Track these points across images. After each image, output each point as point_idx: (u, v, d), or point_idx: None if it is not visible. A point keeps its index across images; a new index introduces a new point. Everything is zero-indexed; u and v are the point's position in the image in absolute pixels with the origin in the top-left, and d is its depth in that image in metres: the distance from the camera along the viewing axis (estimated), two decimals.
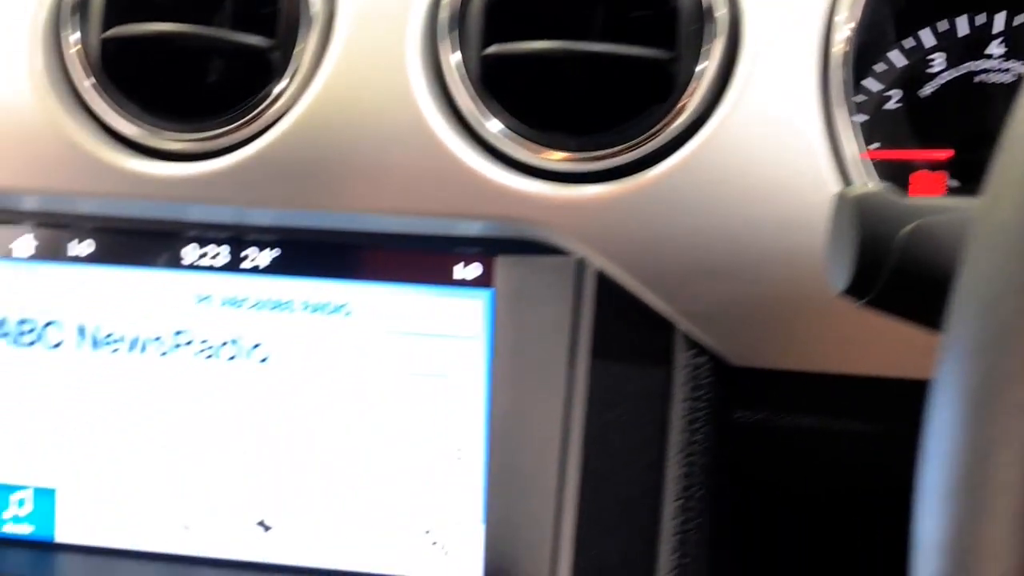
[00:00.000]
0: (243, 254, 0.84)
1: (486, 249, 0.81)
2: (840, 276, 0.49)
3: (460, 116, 0.73)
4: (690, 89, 0.71)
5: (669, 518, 0.74)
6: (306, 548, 0.85)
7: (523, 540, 0.80)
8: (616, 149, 0.71)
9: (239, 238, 0.83)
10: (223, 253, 0.84)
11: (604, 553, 0.75)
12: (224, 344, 0.85)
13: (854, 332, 0.69)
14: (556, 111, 0.73)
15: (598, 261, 0.73)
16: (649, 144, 0.71)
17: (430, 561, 0.84)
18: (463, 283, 0.82)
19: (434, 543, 0.84)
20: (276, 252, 0.83)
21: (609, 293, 0.75)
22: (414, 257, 0.82)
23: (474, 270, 0.81)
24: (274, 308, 0.84)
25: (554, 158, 0.71)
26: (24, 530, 0.88)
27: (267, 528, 0.86)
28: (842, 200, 0.50)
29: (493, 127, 0.72)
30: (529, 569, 0.79)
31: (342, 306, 0.83)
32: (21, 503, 0.88)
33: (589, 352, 0.76)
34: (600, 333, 0.75)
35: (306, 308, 0.84)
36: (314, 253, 0.83)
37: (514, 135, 0.72)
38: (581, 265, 0.76)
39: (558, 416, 0.77)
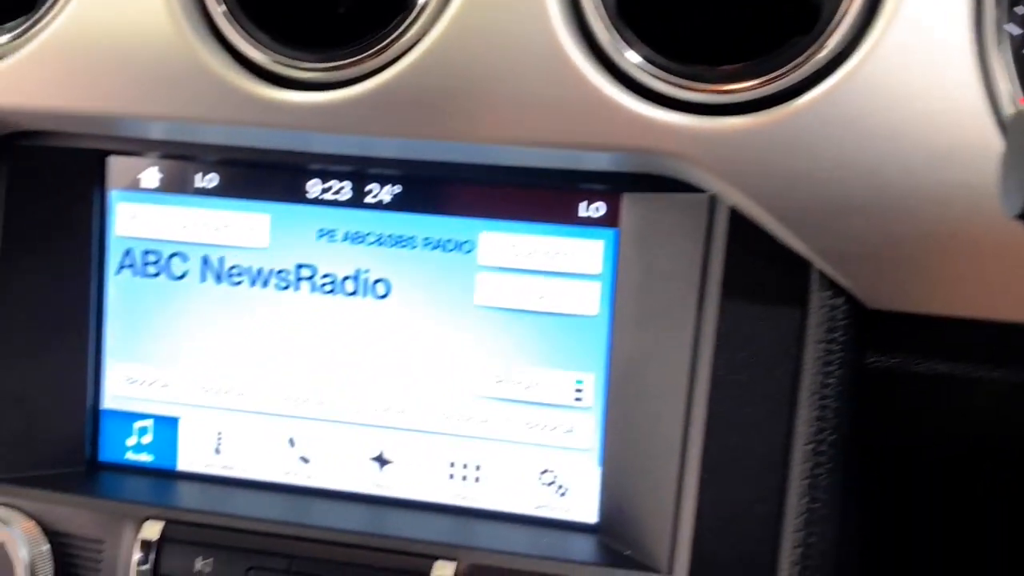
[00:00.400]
0: (366, 189, 0.84)
1: (612, 187, 0.79)
2: (1017, 199, 0.47)
3: (596, 46, 0.72)
4: (836, 20, 0.68)
5: (799, 462, 0.72)
6: (421, 484, 0.85)
7: (642, 483, 0.79)
8: (757, 81, 0.69)
9: (362, 173, 0.83)
10: (346, 188, 0.84)
11: (730, 497, 0.74)
12: (346, 279, 0.85)
13: (1002, 275, 0.67)
14: (694, 42, 0.71)
15: (734, 197, 0.71)
16: (792, 76, 0.69)
17: (546, 500, 0.83)
18: (588, 221, 0.81)
19: (551, 483, 0.83)
20: (399, 188, 0.83)
21: (742, 231, 0.73)
22: (539, 195, 0.81)
23: (600, 208, 0.80)
24: (396, 244, 0.84)
25: (693, 89, 0.69)
26: (146, 458, 0.90)
27: (384, 463, 0.86)
28: (1021, 119, 0.48)
29: (631, 57, 0.70)
30: (648, 511, 0.78)
31: (464, 243, 0.83)
32: (144, 432, 0.90)
33: (719, 292, 0.74)
34: (732, 273, 0.74)
35: (428, 244, 0.83)
36: (437, 190, 0.83)
37: (651, 66, 0.70)
38: (713, 202, 0.74)
39: (685, 358, 0.76)
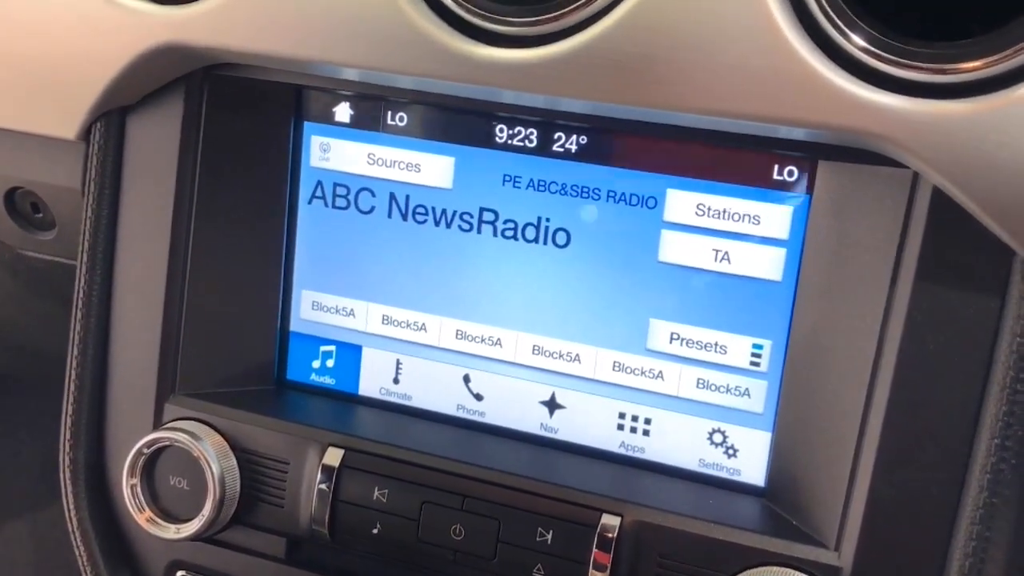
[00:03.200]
0: (553, 137, 0.83)
1: (807, 154, 0.77)
2: None
3: (804, 17, 0.68)
4: None
5: (983, 455, 0.70)
6: (590, 432, 0.87)
7: (815, 454, 0.78)
8: (981, 61, 0.65)
9: (550, 121, 0.83)
10: (533, 135, 0.84)
11: (907, 481, 0.73)
12: (527, 225, 0.86)
13: None
14: (910, 19, 0.67)
15: (939, 181, 0.68)
16: (1015, 59, 0.64)
17: (714, 459, 0.84)
18: (780, 185, 0.79)
19: (720, 443, 0.84)
20: (586, 139, 0.83)
21: (945, 212, 0.70)
22: (730, 155, 0.79)
23: (793, 173, 0.78)
24: (579, 194, 0.84)
25: (908, 67, 0.66)
26: (329, 381, 0.94)
27: (554, 407, 0.88)
28: None
29: (843, 33, 0.67)
30: (819, 484, 0.78)
31: (649, 198, 0.82)
32: (328, 356, 0.94)
33: (915, 271, 0.71)
34: (930, 253, 0.71)
35: (612, 197, 0.83)
36: (625, 143, 0.82)
37: (864, 43, 0.67)
38: (916, 179, 0.71)
39: (872, 334, 0.74)
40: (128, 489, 0.88)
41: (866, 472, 0.74)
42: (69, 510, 0.92)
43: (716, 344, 0.82)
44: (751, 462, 0.83)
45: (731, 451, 0.84)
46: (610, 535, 0.78)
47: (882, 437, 0.73)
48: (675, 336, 0.83)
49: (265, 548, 0.89)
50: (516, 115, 0.83)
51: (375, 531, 0.84)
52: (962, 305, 0.71)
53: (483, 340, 0.89)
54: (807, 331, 0.79)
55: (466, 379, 0.90)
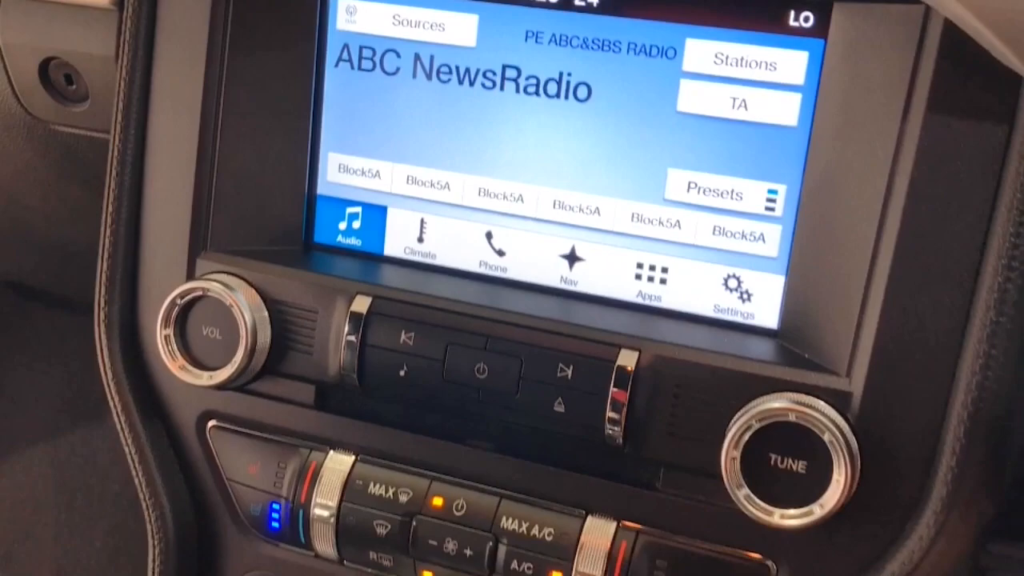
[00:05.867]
0: None
1: None
2: None
3: None
4: None
5: (990, 276, 0.73)
6: (609, 282, 0.90)
7: (827, 293, 0.81)
8: None
9: None
10: None
11: (916, 307, 0.75)
12: (549, 80, 0.88)
13: None
14: None
15: (951, 9, 0.70)
16: None
17: (729, 304, 0.87)
18: (796, 31, 0.81)
19: (735, 288, 0.87)
20: None
21: (955, 45, 0.72)
22: (749, 2, 0.82)
23: (809, 18, 0.80)
24: (600, 48, 0.86)
25: None
26: (355, 243, 0.97)
27: (574, 260, 0.91)
28: None
29: None
30: (830, 320, 0.80)
31: (669, 49, 0.85)
32: (354, 218, 0.96)
33: (925, 106, 0.74)
34: (940, 87, 0.74)
35: (632, 49, 0.86)
36: None
37: None
38: (927, 14, 0.74)
39: (883, 171, 0.76)
40: (161, 339, 0.91)
41: (876, 302, 0.77)
42: (104, 364, 0.95)
43: (732, 191, 0.85)
44: (765, 306, 0.86)
45: (745, 295, 0.86)
46: (628, 368, 0.81)
47: (893, 266, 0.76)
48: (692, 185, 0.86)
49: (295, 396, 0.92)
50: None
51: (402, 374, 0.87)
52: (971, 135, 0.74)
53: (505, 197, 0.91)
54: (821, 174, 0.81)
55: (488, 236, 0.93)
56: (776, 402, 0.77)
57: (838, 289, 0.80)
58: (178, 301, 0.91)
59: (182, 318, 0.92)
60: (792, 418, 0.76)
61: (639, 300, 0.89)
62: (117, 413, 0.95)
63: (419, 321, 0.87)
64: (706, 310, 0.88)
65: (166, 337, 0.91)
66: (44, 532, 1.81)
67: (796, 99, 0.82)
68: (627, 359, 0.82)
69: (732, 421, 0.78)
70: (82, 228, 1.12)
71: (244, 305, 0.89)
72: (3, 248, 1.46)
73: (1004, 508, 0.80)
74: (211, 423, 0.95)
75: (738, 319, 0.87)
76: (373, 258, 0.96)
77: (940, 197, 0.75)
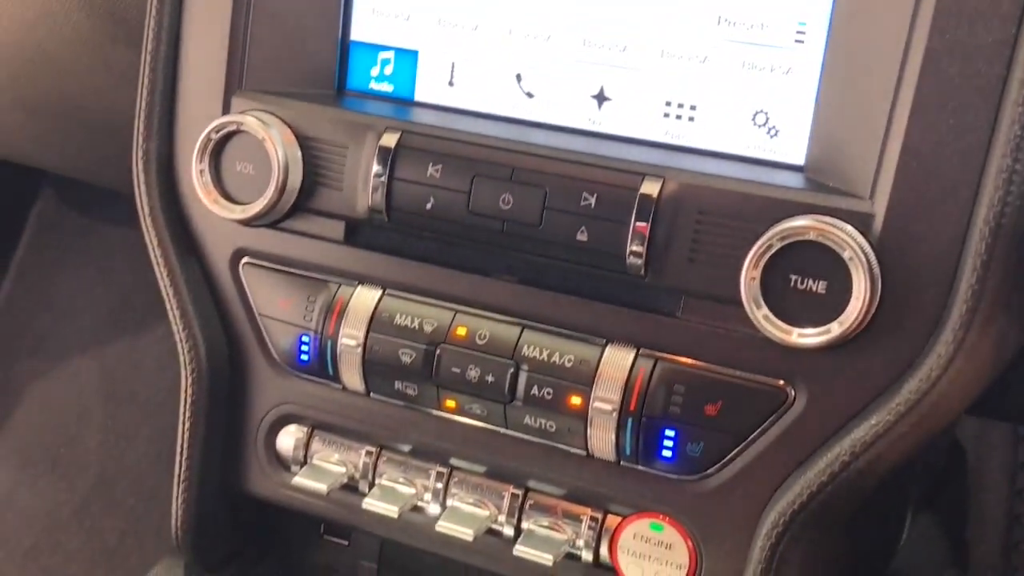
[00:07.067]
0: None
1: None
2: None
3: None
4: None
5: (1016, 88, 0.72)
6: (637, 121, 0.90)
7: (854, 124, 0.80)
8: None
9: None
10: None
11: (940, 125, 0.75)
12: None
13: None
14: None
15: None
16: None
17: (756, 141, 0.87)
18: None
19: (763, 123, 0.86)
20: None
21: None
22: None
23: None
24: None
25: None
26: (387, 88, 0.98)
27: (603, 100, 0.91)
28: None
29: None
30: (856, 151, 0.80)
31: None
32: (386, 63, 0.97)
33: None
34: None
35: None
36: None
37: None
38: None
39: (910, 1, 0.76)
40: (196, 174, 0.93)
41: (901, 122, 0.76)
42: (141, 199, 0.97)
43: (762, 24, 0.85)
44: (792, 142, 0.85)
45: (773, 131, 0.86)
46: (651, 196, 0.82)
47: (919, 84, 0.75)
48: (722, 19, 0.86)
49: (325, 232, 0.94)
50: None
51: (428, 207, 0.88)
52: None
53: (535, 37, 0.92)
54: (848, 5, 0.81)
55: (518, 78, 0.93)
56: (798, 221, 0.77)
57: (864, 116, 0.79)
58: (213, 135, 0.93)
59: (217, 153, 0.93)
60: (813, 236, 0.76)
61: (667, 139, 0.89)
62: (153, 249, 0.97)
63: (446, 154, 0.88)
64: (734, 148, 0.87)
65: (201, 171, 0.93)
66: (90, 438, 1.85)
67: None
68: (651, 187, 0.82)
69: (753, 243, 0.78)
70: (130, 97, 1.14)
71: (277, 139, 0.91)
72: (52, 132, 1.48)
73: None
74: (244, 260, 0.97)
75: (765, 156, 0.86)
76: (404, 102, 0.97)
77: (966, 14, 0.74)
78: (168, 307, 0.97)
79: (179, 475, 0.99)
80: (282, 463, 1.00)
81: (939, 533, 1.17)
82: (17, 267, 2.01)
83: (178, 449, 0.98)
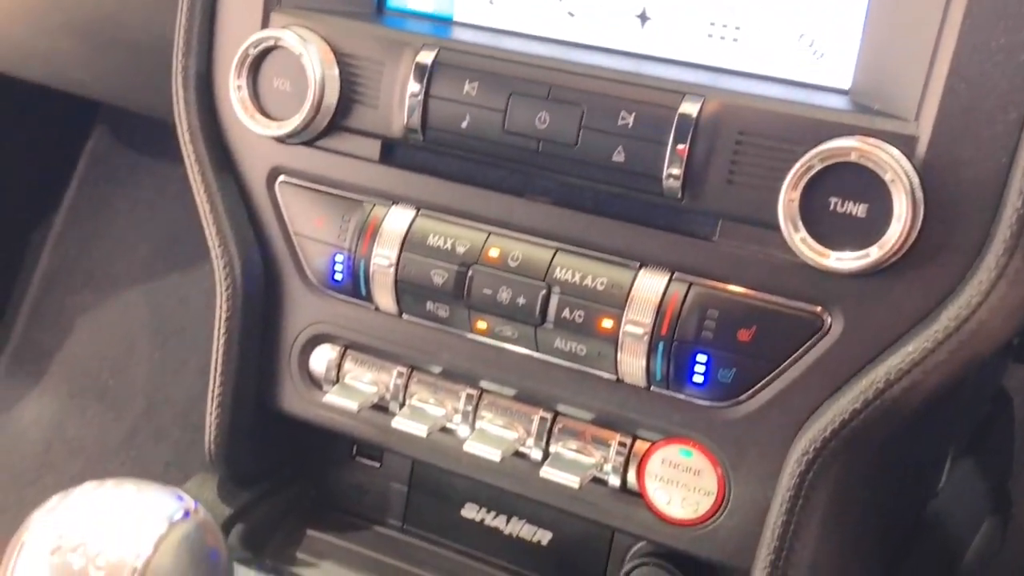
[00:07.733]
0: None
1: None
2: None
3: None
4: None
5: None
6: (680, 42, 0.88)
7: (901, 47, 0.78)
8: None
9: None
10: None
11: (988, 44, 0.72)
12: None
13: None
14: None
15: None
16: None
17: (802, 63, 0.84)
18: None
19: (809, 45, 0.84)
20: None
21: None
22: None
23: None
24: None
25: None
26: (427, 7, 0.97)
27: (646, 19, 0.89)
28: None
29: None
30: (903, 76, 0.77)
31: None
32: None
33: None
34: None
35: None
36: None
37: None
38: None
39: None
40: (234, 90, 0.93)
41: (949, 44, 0.73)
42: (180, 117, 0.97)
43: None
44: (837, 64, 0.83)
45: (818, 53, 0.84)
46: (691, 115, 0.80)
47: (968, 5, 0.72)
48: None
49: (360, 151, 0.93)
50: None
51: (464, 125, 0.87)
52: None
53: None
54: None
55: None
56: (839, 142, 0.75)
57: (912, 36, 0.77)
58: (251, 51, 0.92)
59: (254, 69, 0.93)
60: (854, 158, 0.74)
61: (710, 63, 0.87)
62: (191, 165, 0.98)
63: (483, 71, 0.86)
64: (777, 71, 0.85)
65: (238, 87, 0.93)
66: (138, 369, 1.88)
67: None
68: (690, 107, 0.80)
69: (793, 164, 0.76)
70: (172, 16, 1.13)
71: (314, 55, 0.90)
72: (99, 56, 1.48)
73: None
74: (280, 178, 0.97)
75: (809, 78, 0.84)
76: (443, 21, 0.96)
77: None
78: (204, 224, 0.98)
79: (213, 391, 1.00)
80: (314, 382, 1.01)
81: (981, 479, 1.15)
82: (69, 202, 2.04)
83: (212, 365, 0.99)
